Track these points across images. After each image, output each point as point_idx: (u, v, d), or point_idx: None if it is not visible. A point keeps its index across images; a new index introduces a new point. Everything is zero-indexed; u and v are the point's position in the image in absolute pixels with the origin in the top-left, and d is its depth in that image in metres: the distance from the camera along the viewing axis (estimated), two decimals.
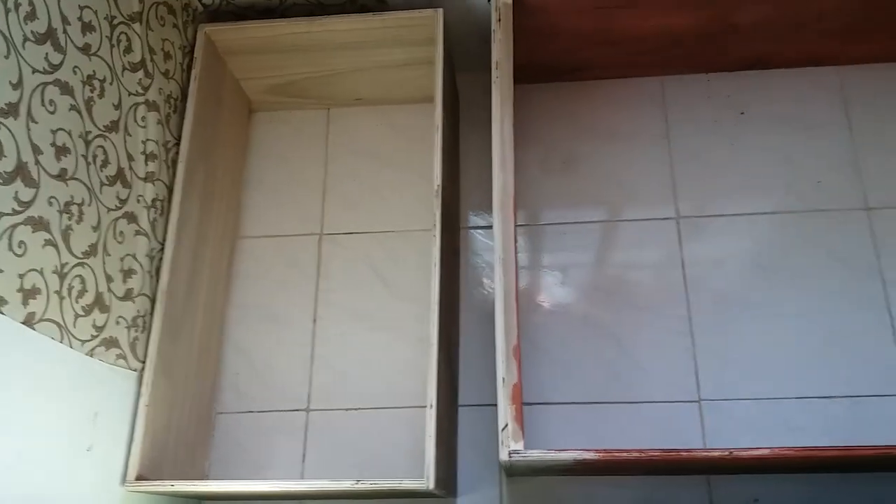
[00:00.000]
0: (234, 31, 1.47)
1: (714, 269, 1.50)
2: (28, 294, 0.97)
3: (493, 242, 1.22)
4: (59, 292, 1.04)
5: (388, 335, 1.50)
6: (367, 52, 1.51)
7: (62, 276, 1.05)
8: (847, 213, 1.52)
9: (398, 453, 1.40)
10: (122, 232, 1.21)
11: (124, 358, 1.20)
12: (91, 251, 1.12)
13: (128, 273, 1.22)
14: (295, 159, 1.67)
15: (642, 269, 1.53)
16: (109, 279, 1.17)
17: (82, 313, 1.09)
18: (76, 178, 1.09)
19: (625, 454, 1.09)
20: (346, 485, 1.15)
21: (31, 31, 1.01)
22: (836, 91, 1.62)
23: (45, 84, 1.03)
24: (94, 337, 1.12)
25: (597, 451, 1.08)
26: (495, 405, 1.12)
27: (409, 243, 1.57)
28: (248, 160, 1.67)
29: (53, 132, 1.04)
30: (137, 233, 1.25)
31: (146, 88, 1.30)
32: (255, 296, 1.56)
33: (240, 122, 1.65)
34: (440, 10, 1.42)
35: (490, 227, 1.55)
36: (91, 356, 1.11)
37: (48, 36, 1.04)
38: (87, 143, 1.12)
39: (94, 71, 1.15)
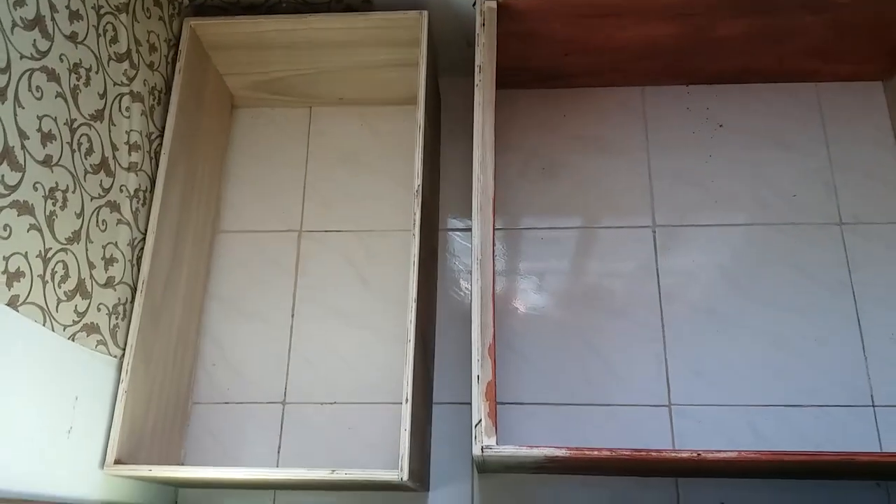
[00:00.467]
0: (219, 26, 1.48)
1: (688, 278, 1.53)
2: (13, 277, 0.98)
3: (470, 245, 1.24)
4: (42, 276, 1.04)
5: (365, 332, 1.52)
6: (351, 52, 1.53)
7: (46, 261, 1.05)
8: (820, 228, 1.56)
9: (373, 448, 1.42)
10: (104, 220, 1.21)
11: (105, 344, 1.20)
12: (74, 237, 1.13)
13: (109, 261, 1.23)
14: (276, 156, 1.68)
15: (617, 276, 1.55)
16: (92, 266, 1.17)
17: (64, 298, 1.10)
18: (61, 165, 1.10)
19: (595, 452, 1.11)
20: (321, 473, 1.17)
21: (20, 17, 1.02)
22: (813, 107, 1.66)
23: (33, 70, 1.04)
24: (75, 322, 1.13)
25: (568, 448, 1.10)
26: (469, 403, 1.15)
27: (388, 243, 1.59)
28: (228, 155, 1.68)
29: (39, 118, 1.05)
30: (119, 222, 1.26)
31: (131, 79, 1.31)
32: (234, 289, 1.57)
33: (222, 117, 1.66)
34: (425, 13, 1.44)
35: (468, 229, 1.57)
36: (72, 341, 1.12)
37: (36, 22, 1.05)
38: (73, 131, 1.13)
39: (80, 59, 1.16)
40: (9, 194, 0.98)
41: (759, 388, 1.44)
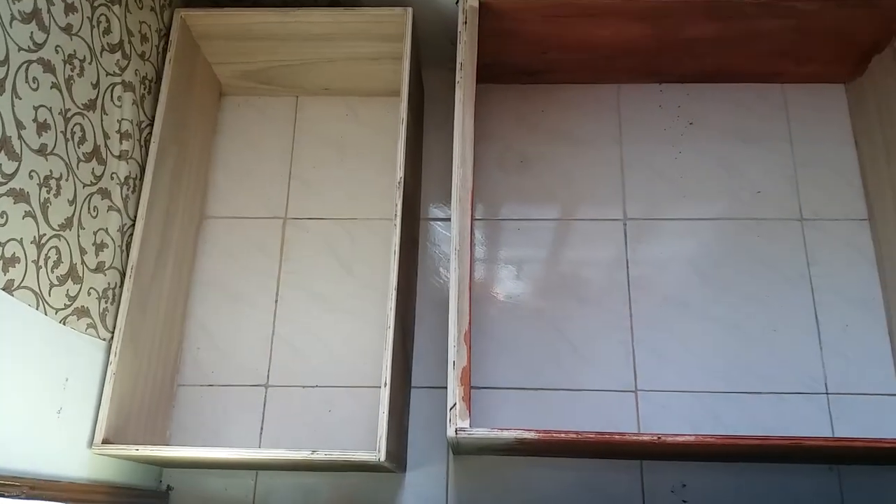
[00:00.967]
0: (208, 17, 1.52)
1: (656, 269, 1.60)
2: (8, 262, 1.02)
3: (450, 234, 1.29)
4: (36, 262, 1.09)
5: (346, 317, 1.57)
6: (337, 44, 1.57)
7: (40, 247, 1.10)
8: (783, 223, 1.63)
9: (353, 430, 1.48)
10: (95, 207, 1.25)
11: (94, 328, 1.25)
12: (67, 224, 1.17)
13: (100, 246, 1.27)
14: (262, 144, 1.73)
15: (589, 266, 1.61)
16: (83, 251, 1.22)
17: (57, 283, 1.14)
18: (55, 154, 1.14)
19: (562, 435, 1.18)
20: (302, 454, 1.22)
21: (18, 11, 1.05)
22: (779, 107, 1.72)
23: (30, 62, 1.08)
24: (66, 306, 1.17)
25: (537, 431, 1.17)
26: (446, 388, 1.20)
27: (371, 231, 1.64)
28: (216, 142, 1.72)
29: (35, 108, 1.09)
30: (110, 208, 1.30)
31: (123, 69, 1.34)
32: (219, 274, 1.61)
33: (210, 104, 1.69)
34: (409, 9, 1.48)
35: (448, 219, 1.62)
36: (64, 324, 1.16)
37: (33, 15, 1.09)
38: (67, 120, 1.17)
39: (74, 50, 1.19)
40: (6, 182, 1.02)
41: (721, 374, 1.51)
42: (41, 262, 1.10)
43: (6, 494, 1.01)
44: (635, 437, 1.22)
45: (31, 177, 1.08)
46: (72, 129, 1.18)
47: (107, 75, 1.29)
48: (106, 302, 1.29)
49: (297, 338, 1.56)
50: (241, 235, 1.64)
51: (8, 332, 1.04)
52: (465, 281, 1.25)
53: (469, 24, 1.43)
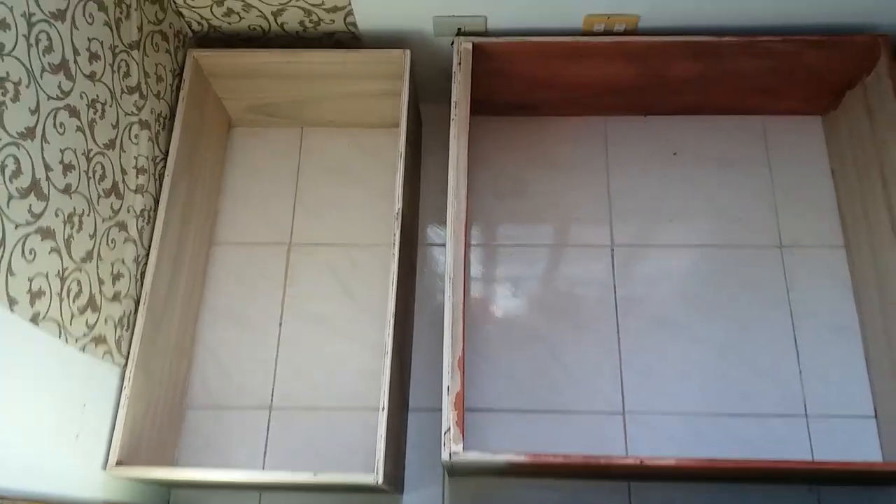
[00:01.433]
0: (220, 57, 1.61)
1: (642, 293, 1.68)
2: (35, 296, 1.11)
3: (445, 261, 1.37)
4: (59, 294, 1.17)
5: (347, 341, 1.64)
6: (340, 82, 1.66)
7: (63, 280, 1.18)
8: (763, 249, 1.71)
9: (353, 451, 1.54)
10: (113, 239, 1.34)
11: (110, 354, 1.33)
12: (87, 257, 1.25)
13: (117, 276, 1.35)
14: (269, 173, 1.81)
15: (579, 290, 1.69)
16: (101, 282, 1.30)
17: (77, 313, 1.22)
18: (79, 192, 1.22)
19: (551, 458, 1.25)
20: (304, 476, 1.29)
21: (48, 63, 1.14)
22: (759, 138, 1.81)
23: (58, 109, 1.16)
24: (86, 335, 1.25)
25: (527, 454, 1.24)
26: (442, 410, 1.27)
27: (371, 256, 1.72)
28: (225, 171, 1.80)
29: (62, 151, 1.17)
30: (126, 240, 1.38)
31: (140, 109, 1.43)
32: (227, 299, 1.69)
33: (220, 136, 1.78)
34: (408, 52, 1.57)
35: (444, 244, 1.69)
36: (83, 352, 1.24)
37: (62, 66, 1.17)
38: (89, 160, 1.25)
39: (97, 95, 1.28)
40: (34, 222, 1.11)
41: (705, 397, 1.58)
42: (64, 295, 1.18)
43: None
44: (620, 461, 1.29)
45: (56, 215, 1.16)
46: (93, 168, 1.26)
47: (125, 115, 1.37)
48: (121, 329, 1.36)
49: (300, 361, 1.63)
50: (248, 260, 1.72)
51: (33, 361, 1.12)
52: (458, 308, 1.33)
53: (463, 64, 1.52)
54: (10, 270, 1.05)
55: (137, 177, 1.42)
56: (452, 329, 1.31)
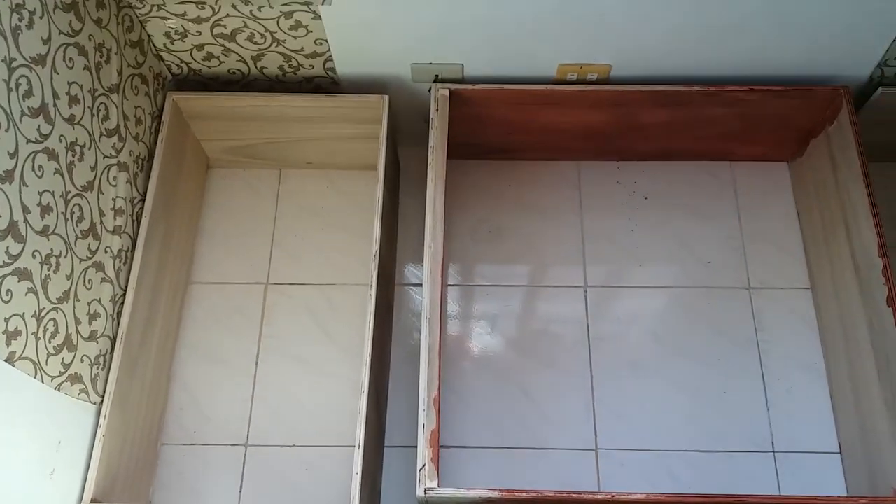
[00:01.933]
0: (198, 101, 1.64)
1: (615, 333, 1.71)
2: (11, 335, 1.11)
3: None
4: (35, 333, 1.18)
5: (324, 380, 1.66)
6: (318, 126, 1.69)
7: (39, 320, 1.19)
8: (732, 291, 1.75)
9: (329, 489, 1.55)
10: (90, 280, 1.35)
11: (86, 392, 1.33)
12: (64, 297, 1.26)
13: (93, 316, 1.36)
14: (246, 213, 1.83)
15: (553, 329, 1.72)
16: (77, 322, 1.31)
17: (53, 352, 1.23)
18: (56, 234, 1.24)
19: (524, 494, 1.27)
20: None
21: (28, 107, 1.16)
22: (728, 183, 1.86)
23: (36, 152, 1.18)
24: (61, 374, 1.26)
25: (500, 490, 1.26)
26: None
27: (348, 296, 1.74)
28: (203, 211, 1.82)
29: (40, 193, 1.19)
30: (103, 280, 1.40)
31: (119, 151, 1.45)
32: (203, 337, 1.70)
33: (198, 177, 1.80)
34: (386, 97, 1.61)
35: (421, 284, 1.72)
36: (58, 390, 1.25)
37: (41, 110, 1.20)
38: (67, 202, 1.27)
39: (76, 138, 1.30)
40: (11, 263, 1.12)
41: (675, 434, 1.61)
42: (40, 334, 1.19)
43: None
44: (591, 496, 1.30)
45: (33, 256, 1.17)
46: (71, 210, 1.28)
47: (104, 157, 1.40)
48: (97, 368, 1.37)
49: (276, 399, 1.64)
50: (225, 300, 1.73)
51: (8, 400, 1.12)
52: (434, 349, 1.35)
53: (440, 110, 1.56)
54: None
55: (115, 218, 1.44)
56: (429, 369, 1.33)
